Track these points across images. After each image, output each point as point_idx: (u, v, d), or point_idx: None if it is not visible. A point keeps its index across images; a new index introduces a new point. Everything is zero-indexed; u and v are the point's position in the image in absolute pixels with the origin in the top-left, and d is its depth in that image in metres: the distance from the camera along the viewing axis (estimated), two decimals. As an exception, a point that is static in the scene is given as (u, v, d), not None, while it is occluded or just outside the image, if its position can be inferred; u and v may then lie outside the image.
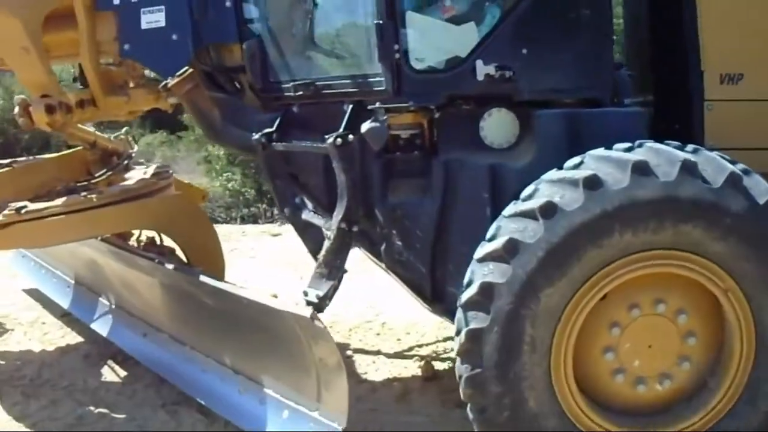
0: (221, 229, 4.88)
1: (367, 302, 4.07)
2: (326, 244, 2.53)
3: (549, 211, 2.09)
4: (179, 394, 3.02)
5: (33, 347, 3.68)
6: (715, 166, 2.15)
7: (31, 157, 3.79)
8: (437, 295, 2.61)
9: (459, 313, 2.22)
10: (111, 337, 3.44)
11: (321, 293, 2.42)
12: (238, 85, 2.94)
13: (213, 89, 2.88)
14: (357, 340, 3.65)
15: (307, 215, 2.77)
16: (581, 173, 2.12)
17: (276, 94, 2.77)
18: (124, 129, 3.84)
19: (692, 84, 2.62)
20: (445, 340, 3.58)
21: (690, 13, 2.59)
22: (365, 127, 2.35)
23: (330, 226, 2.54)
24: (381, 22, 2.37)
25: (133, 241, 3.46)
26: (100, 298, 3.66)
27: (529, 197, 2.17)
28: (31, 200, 3.05)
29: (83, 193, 3.06)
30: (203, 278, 2.68)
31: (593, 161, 2.18)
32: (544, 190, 2.17)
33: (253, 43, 2.75)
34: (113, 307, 3.55)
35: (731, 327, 2.25)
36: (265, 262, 5.14)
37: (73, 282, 3.93)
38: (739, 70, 2.57)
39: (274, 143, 2.71)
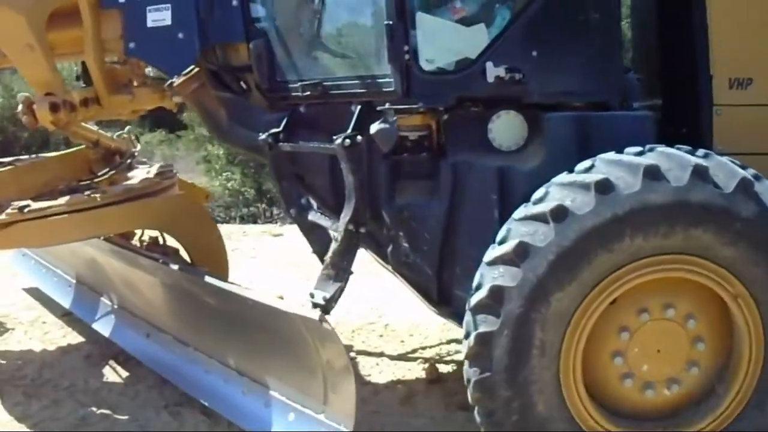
0: (221, 229, 4.85)
1: (370, 304, 4.06)
2: (333, 245, 2.51)
3: (560, 214, 2.09)
4: (182, 395, 3.00)
5: (34, 347, 3.65)
6: (726, 171, 2.15)
7: (33, 156, 3.76)
8: (444, 297, 2.60)
9: (468, 317, 2.21)
10: (113, 337, 3.42)
11: (328, 295, 2.40)
12: (244, 84, 2.91)
13: (219, 89, 2.86)
14: (360, 341, 3.64)
15: (313, 216, 2.75)
16: (593, 177, 2.11)
17: (283, 94, 2.75)
18: (127, 128, 3.82)
19: (701, 88, 2.62)
20: (449, 342, 3.57)
21: (699, 17, 2.59)
22: (374, 128, 2.33)
23: (337, 228, 2.52)
24: (391, 22, 2.35)
25: (135, 241, 3.43)
26: (102, 298, 3.64)
27: (540, 200, 2.16)
28: (34, 199, 3.02)
29: (86, 192, 3.03)
30: (208, 279, 2.66)
31: (604, 165, 2.17)
32: (554, 193, 2.16)
33: (260, 42, 2.72)
34: (115, 307, 3.52)
35: (740, 332, 2.25)
36: (266, 262, 5.12)
37: (74, 281, 3.91)
38: (748, 74, 2.57)
39: (280, 143, 2.69)
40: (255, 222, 8.50)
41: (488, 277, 2.15)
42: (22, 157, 3.72)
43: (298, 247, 5.22)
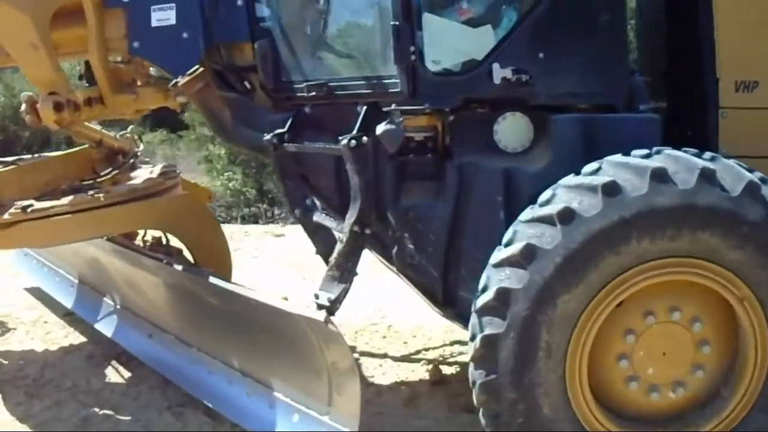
0: (223, 229, 4.84)
1: (373, 305, 4.05)
2: (338, 246, 2.50)
3: (567, 216, 2.08)
4: (185, 396, 2.99)
5: (35, 347, 3.63)
6: (733, 174, 2.15)
7: (36, 155, 3.75)
8: (449, 299, 2.59)
9: (474, 319, 2.20)
10: (116, 337, 3.40)
11: (332, 296, 2.40)
12: (248, 84, 2.90)
13: (224, 89, 2.85)
14: (363, 342, 3.63)
15: (318, 217, 2.75)
16: (600, 179, 2.11)
17: (288, 94, 2.74)
18: (130, 128, 3.81)
19: (707, 91, 2.62)
20: (452, 343, 3.56)
21: (706, 19, 2.59)
22: (381, 128, 2.32)
23: (342, 229, 2.52)
24: (397, 23, 2.34)
25: (138, 241, 3.42)
26: (105, 298, 3.62)
27: (547, 202, 2.16)
28: (37, 199, 3.01)
29: (90, 192, 3.02)
30: (213, 280, 2.65)
31: (611, 167, 2.17)
32: (561, 195, 2.16)
33: (265, 42, 2.72)
34: (118, 307, 3.51)
35: (746, 335, 2.25)
36: (268, 262, 5.11)
37: (76, 281, 3.89)
38: (754, 77, 2.57)
39: (285, 144, 2.68)
40: (256, 222, 8.49)
41: (494, 279, 2.15)
42: (24, 156, 3.71)
43: (300, 248, 5.21)
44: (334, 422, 2.27)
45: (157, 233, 3.36)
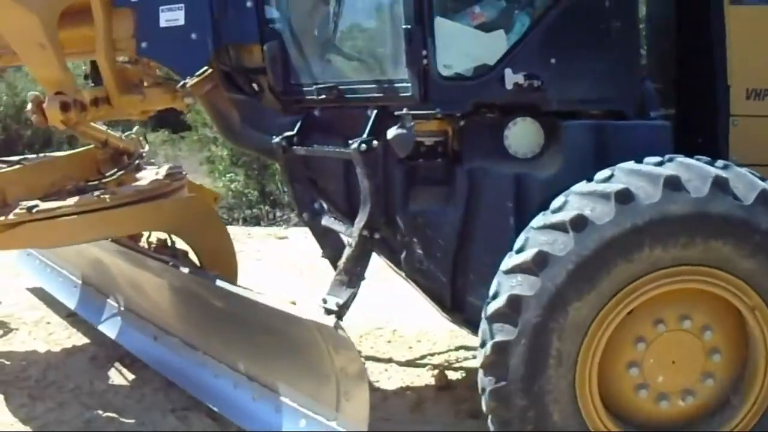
0: (226, 231, 4.83)
1: (377, 309, 4.03)
2: (347, 251, 2.49)
3: (580, 224, 2.07)
4: (189, 399, 2.97)
5: (38, 348, 3.61)
6: (746, 182, 2.14)
7: (41, 155, 3.73)
8: (457, 304, 2.58)
9: (484, 325, 2.19)
10: (119, 339, 3.38)
11: (341, 301, 2.38)
12: (257, 86, 2.89)
13: (232, 90, 2.84)
14: (368, 347, 3.62)
15: (326, 221, 2.73)
16: (613, 187, 2.10)
17: (297, 97, 2.73)
18: (136, 128, 3.80)
19: (718, 98, 2.61)
20: (457, 348, 3.55)
21: (717, 26, 2.58)
22: (392, 133, 2.31)
23: (351, 233, 2.50)
24: (409, 27, 2.33)
25: (143, 243, 3.40)
26: (109, 300, 3.60)
27: (559, 209, 2.15)
28: (42, 199, 2.99)
29: (96, 193, 3.00)
30: (220, 283, 2.64)
31: (624, 175, 2.16)
32: (574, 202, 2.15)
33: (275, 44, 2.71)
34: (122, 309, 3.49)
35: (756, 344, 2.24)
36: (271, 264, 5.10)
37: (80, 282, 3.87)
38: (766, 85, 2.56)
39: (294, 147, 2.67)
40: (258, 224, 8.47)
41: (506, 285, 2.14)
42: (29, 156, 3.69)
43: (304, 250, 5.21)
44: (341, 428, 2.25)
45: (162, 235, 3.34)
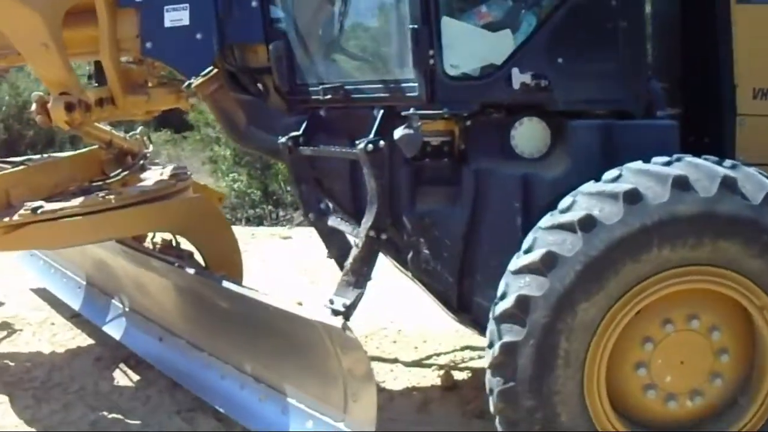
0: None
1: (381, 309, 4.03)
2: (353, 251, 2.48)
3: (588, 224, 2.07)
4: (194, 400, 2.97)
5: (42, 349, 3.60)
6: (754, 182, 2.14)
7: (45, 156, 3.72)
8: (464, 305, 2.57)
9: (492, 326, 2.19)
10: (124, 340, 3.38)
11: (348, 302, 2.38)
12: (262, 86, 2.88)
13: (237, 90, 2.83)
14: (374, 347, 3.61)
15: (332, 221, 2.72)
16: (621, 187, 2.10)
17: (303, 97, 2.72)
18: (140, 128, 3.79)
19: (724, 97, 2.61)
20: (463, 349, 3.54)
21: (724, 26, 2.58)
22: (399, 133, 2.30)
23: (357, 234, 2.50)
24: (416, 26, 2.32)
25: (147, 243, 3.39)
26: (113, 300, 3.59)
27: (567, 209, 2.15)
28: (47, 200, 2.99)
29: (101, 194, 3.00)
30: (226, 284, 2.63)
31: (632, 175, 2.16)
32: (582, 202, 2.14)
33: (280, 44, 2.69)
34: (127, 309, 3.49)
35: (764, 344, 2.23)
36: (275, 265, 5.09)
37: (84, 283, 3.86)
38: (773, 84, 2.55)
39: (300, 147, 2.66)
40: (261, 224, 8.46)
41: (514, 286, 2.13)
42: (33, 156, 3.69)
43: (308, 251, 5.21)
44: (349, 429, 2.25)
45: (167, 235, 3.34)
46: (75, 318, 3.89)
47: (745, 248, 2.11)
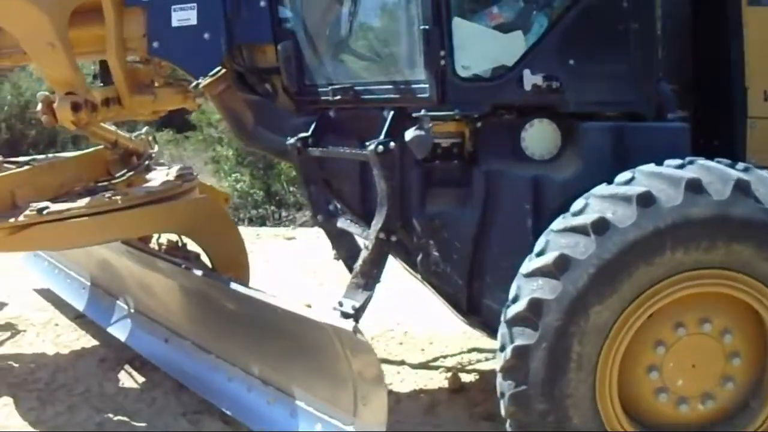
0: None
1: (387, 311, 4.01)
2: (363, 253, 2.47)
3: (601, 227, 2.06)
4: (200, 402, 2.95)
5: (46, 350, 3.58)
6: (767, 185, 2.12)
7: (51, 156, 3.70)
8: (473, 307, 2.56)
9: (504, 329, 2.17)
10: (130, 341, 3.36)
11: (357, 304, 2.37)
12: (270, 87, 2.86)
13: (245, 91, 2.82)
14: (380, 349, 3.59)
15: (341, 223, 2.71)
16: (635, 189, 2.09)
17: (312, 97, 2.71)
18: (145, 128, 3.77)
19: (735, 100, 2.60)
20: (470, 351, 3.53)
21: (735, 28, 2.57)
22: (410, 134, 2.29)
23: (367, 235, 2.48)
24: (427, 27, 2.31)
25: (153, 244, 3.38)
26: (118, 301, 3.57)
27: (580, 212, 2.13)
28: (52, 200, 2.97)
29: (107, 195, 2.98)
30: (234, 286, 2.62)
31: (645, 177, 2.14)
32: (595, 205, 2.13)
33: (289, 44, 2.68)
34: (132, 311, 3.47)
35: (776, 348, 2.23)
36: (280, 265, 5.07)
37: (88, 283, 3.84)
38: (784, 87, 2.55)
39: (310, 148, 2.65)
40: (263, 224, 8.44)
41: (526, 289, 2.12)
42: (37, 156, 3.67)
43: (312, 251, 5.19)
44: (359, 432, 2.23)
45: (172, 236, 3.32)
46: (79, 319, 3.87)
47: (759, 251, 2.10)
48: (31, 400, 3.07)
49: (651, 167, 2.19)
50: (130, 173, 3.42)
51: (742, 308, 2.21)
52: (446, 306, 2.67)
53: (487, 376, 3.21)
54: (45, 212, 2.85)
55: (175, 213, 3.08)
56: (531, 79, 2.33)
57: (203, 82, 2.69)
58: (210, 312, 2.93)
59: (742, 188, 2.08)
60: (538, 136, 2.44)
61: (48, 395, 3.11)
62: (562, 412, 2.12)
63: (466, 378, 3.25)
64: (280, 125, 2.75)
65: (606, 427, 2.17)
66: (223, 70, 2.71)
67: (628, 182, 2.15)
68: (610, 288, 2.07)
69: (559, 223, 2.17)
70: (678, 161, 2.19)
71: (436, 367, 3.39)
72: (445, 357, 3.50)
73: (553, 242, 2.13)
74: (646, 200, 2.05)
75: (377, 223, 2.43)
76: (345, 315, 2.33)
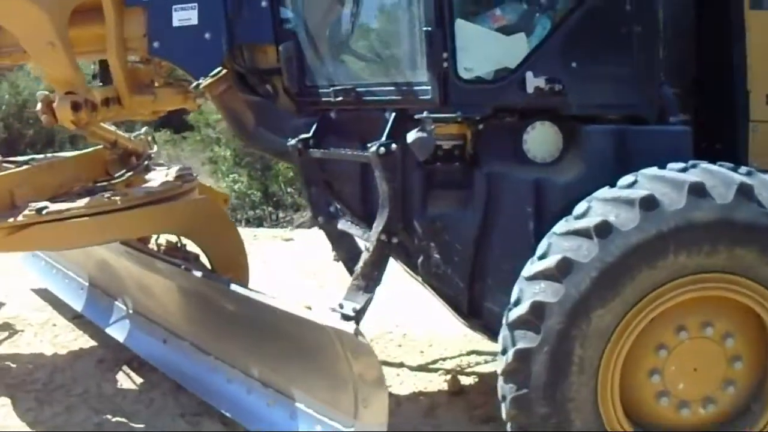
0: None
1: (386, 312, 4.00)
2: (364, 255, 2.46)
3: (604, 230, 2.06)
4: (199, 404, 2.93)
5: (44, 350, 3.56)
6: (770, 189, 2.12)
7: (50, 156, 3.68)
8: (474, 310, 2.55)
9: (505, 332, 2.17)
10: (128, 342, 3.34)
11: (358, 306, 2.36)
12: (271, 88, 2.85)
13: (246, 91, 2.80)
14: (379, 352, 3.57)
15: (342, 224, 2.70)
16: (637, 193, 2.08)
17: (313, 98, 2.70)
18: (144, 128, 3.75)
19: (737, 104, 2.60)
20: (470, 353, 3.52)
21: (737, 32, 2.57)
22: (412, 136, 2.28)
23: (368, 237, 2.47)
24: (430, 29, 2.30)
25: (152, 245, 3.36)
26: (116, 302, 3.56)
27: (583, 215, 2.13)
28: (51, 200, 2.95)
29: (106, 195, 2.96)
30: (234, 287, 2.60)
31: (648, 181, 2.14)
32: (597, 208, 2.13)
33: (290, 44, 2.67)
34: (130, 311, 3.45)
35: (778, 352, 2.23)
36: (278, 266, 5.06)
37: (86, 284, 3.82)
38: (786, 91, 2.55)
39: (311, 149, 2.64)
40: (261, 225, 8.43)
41: (528, 292, 2.12)
42: (36, 156, 3.65)
43: (310, 252, 5.18)
44: (359, 435, 2.22)
45: (171, 237, 3.30)
46: (77, 319, 3.85)
47: (761, 255, 2.10)
48: (29, 400, 3.05)
49: (654, 170, 2.18)
50: (130, 173, 3.40)
51: (744, 312, 2.21)
52: (447, 308, 2.66)
53: (486, 379, 3.20)
54: (44, 212, 2.83)
55: (174, 214, 3.06)
56: (533, 82, 2.33)
57: (204, 82, 2.67)
58: (209, 313, 2.92)
59: (745, 192, 2.08)
60: (540, 139, 2.44)
61: (46, 396, 3.09)
62: (563, 415, 2.12)
63: (465, 380, 3.24)
64: (281, 126, 2.74)
65: (608, 431, 2.17)
66: (224, 71, 2.70)
67: (631, 185, 2.15)
68: (612, 291, 2.06)
69: (561, 226, 2.16)
70: (681, 165, 2.19)
71: (436, 370, 3.38)
72: (444, 359, 3.49)
73: (556, 245, 2.12)
74: (649, 203, 2.05)
75: (378, 224, 2.42)
76: (346, 317, 2.32)
